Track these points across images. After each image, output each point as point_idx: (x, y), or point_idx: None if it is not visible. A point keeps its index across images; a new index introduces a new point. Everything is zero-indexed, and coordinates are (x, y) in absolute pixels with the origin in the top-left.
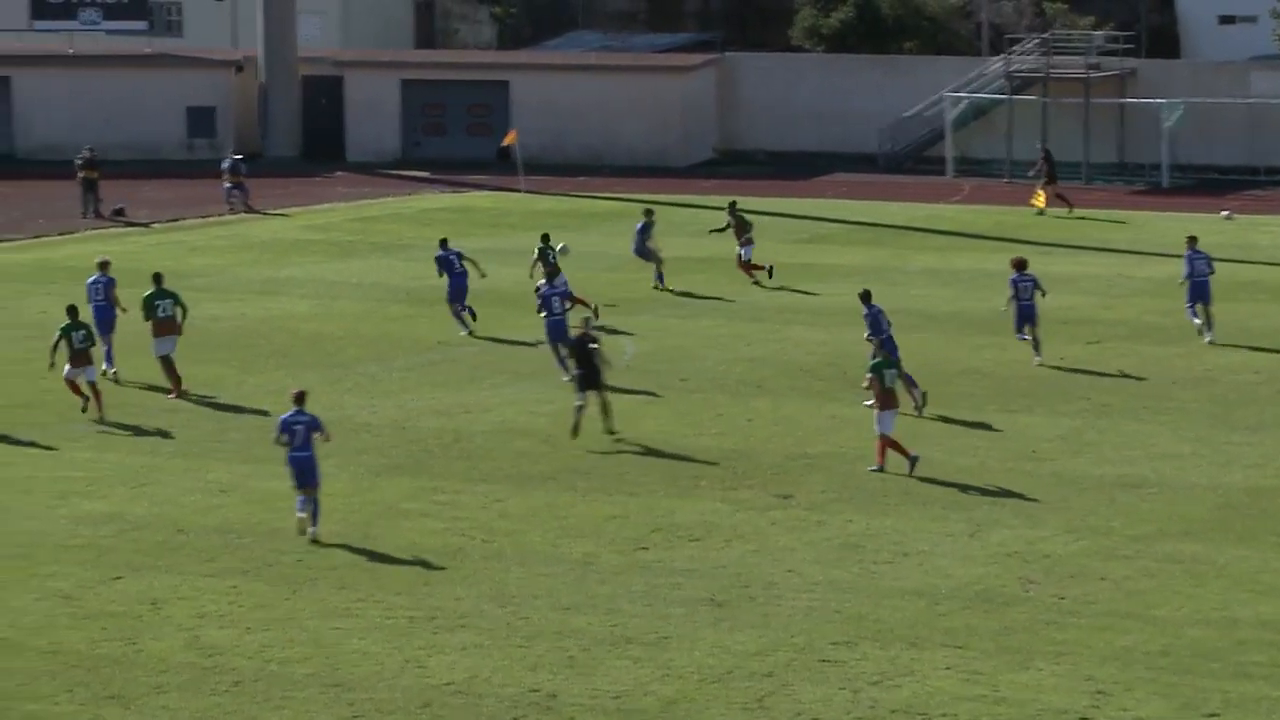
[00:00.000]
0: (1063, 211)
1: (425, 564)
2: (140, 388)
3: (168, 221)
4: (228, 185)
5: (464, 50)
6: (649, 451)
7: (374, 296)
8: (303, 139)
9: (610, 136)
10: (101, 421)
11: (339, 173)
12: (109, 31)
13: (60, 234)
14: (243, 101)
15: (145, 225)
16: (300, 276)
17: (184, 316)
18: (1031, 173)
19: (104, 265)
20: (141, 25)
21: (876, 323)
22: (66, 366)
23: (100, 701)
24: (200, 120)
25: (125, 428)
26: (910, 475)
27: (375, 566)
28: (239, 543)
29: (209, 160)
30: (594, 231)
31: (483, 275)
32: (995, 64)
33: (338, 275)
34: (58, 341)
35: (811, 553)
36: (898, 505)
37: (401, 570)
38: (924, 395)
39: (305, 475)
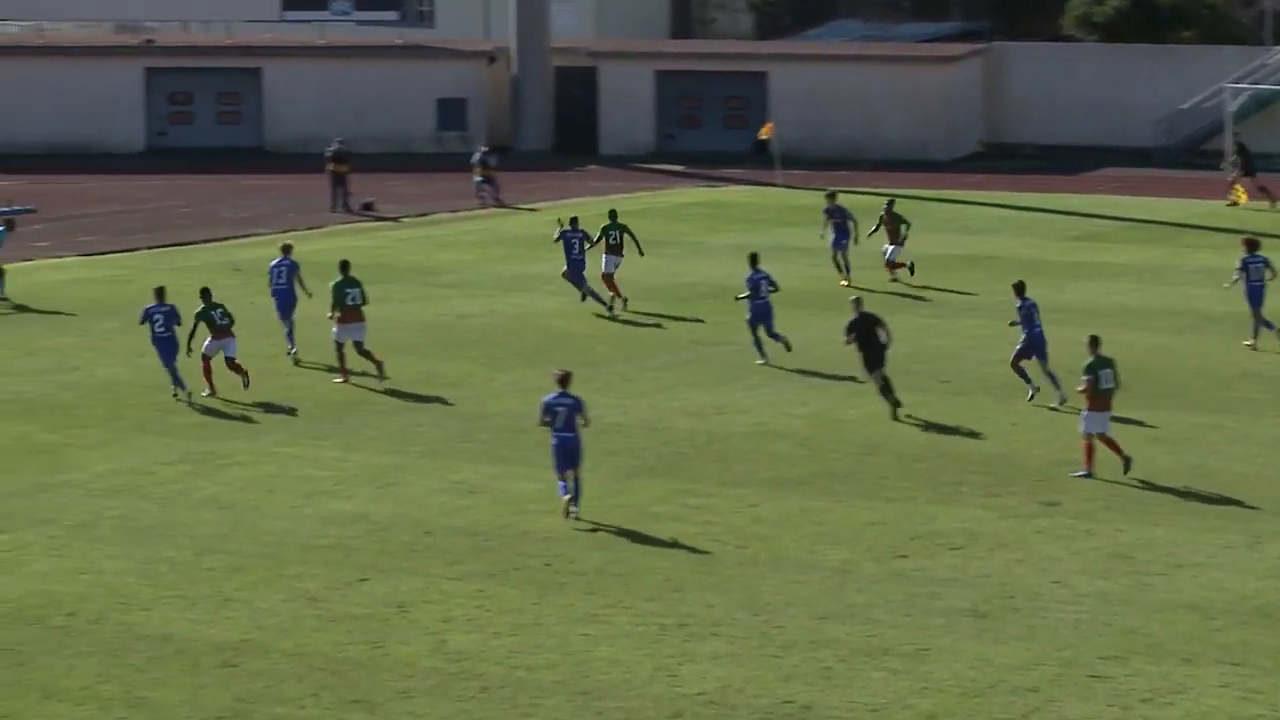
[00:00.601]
0: (1264, 205)
1: (676, 570)
2: (380, 391)
3: (417, 216)
4: (478, 179)
5: (721, 40)
6: (909, 455)
7: (629, 294)
8: (555, 132)
9: (871, 129)
10: (246, 387)
11: (591, 166)
12: (360, 22)
13: (309, 228)
14: (494, 93)
15: (394, 220)
16: (550, 273)
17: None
18: (1225, 164)
19: (287, 249)
20: (392, 16)
21: (1030, 317)
22: (206, 340)
23: (345, 706)
24: (451, 112)
25: (371, 427)
26: (1125, 477)
27: (625, 572)
28: (486, 545)
29: (459, 154)
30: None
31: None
32: (1278, 54)
33: (588, 272)
34: (195, 327)
35: (1079, 563)
36: (1170, 515)
37: (652, 576)
38: (1063, 399)
39: (568, 457)
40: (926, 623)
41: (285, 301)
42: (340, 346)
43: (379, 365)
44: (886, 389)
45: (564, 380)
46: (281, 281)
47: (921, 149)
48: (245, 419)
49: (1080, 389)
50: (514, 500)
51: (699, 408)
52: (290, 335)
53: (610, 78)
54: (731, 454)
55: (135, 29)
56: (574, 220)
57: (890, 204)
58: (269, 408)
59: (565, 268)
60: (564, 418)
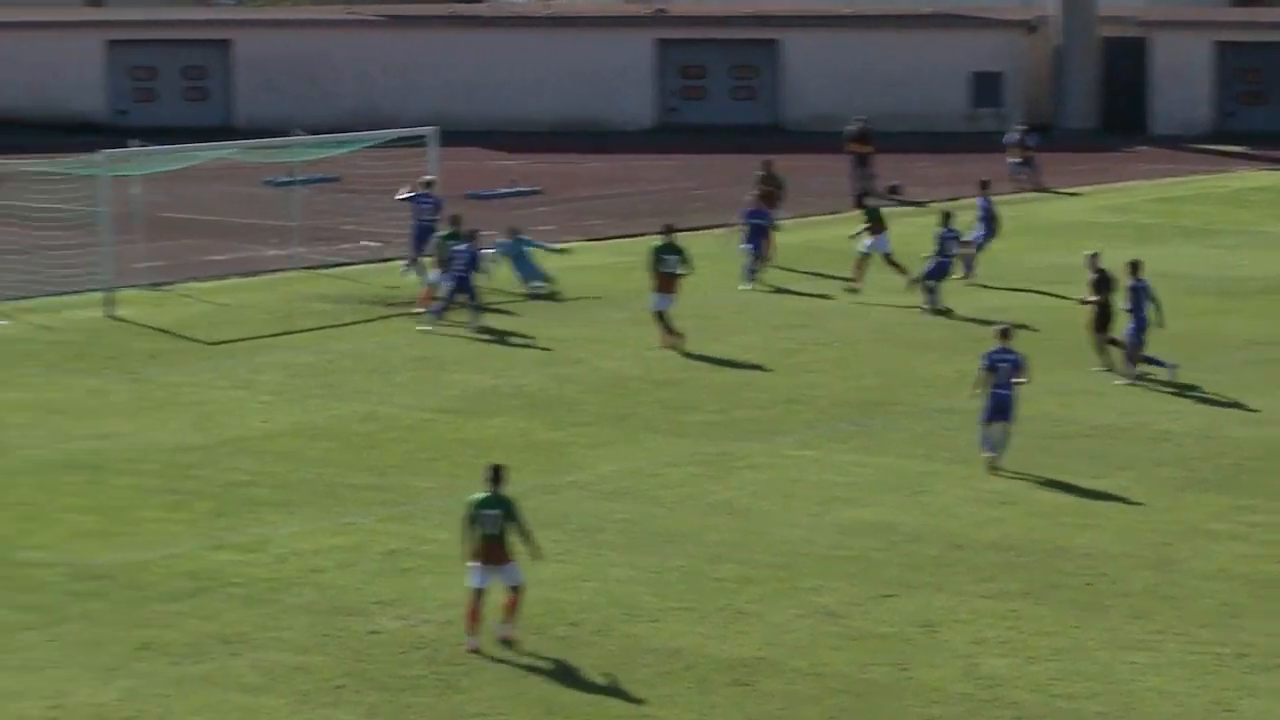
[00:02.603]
0: None
1: (1234, 593)
2: (902, 392)
3: (945, 201)
4: (1014, 161)
5: None
6: None
7: (1179, 288)
8: (1100, 109)
9: None
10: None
11: (1140, 147)
12: None
13: (828, 214)
14: (1034, 66)
15: (920, 204)
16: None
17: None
18: None
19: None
20: None
21: (1137, 298)
22: (654, 296)
23: None
24: (985, 87)
25: (896, 429)
26: None
27: (1176, 594)
28: (1019, 561)
29: (993, 133)
30: None
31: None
32: None
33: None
34: (653, 262)
35: None
36: None
37: (1207, 599)
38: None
39: (1000, 410)
40: None
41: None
42: (659, 315)
43: (677, 337)
44: None
45: (1004, 335)
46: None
47: None
48: (757, 420)
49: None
50: (1050, 512)
51: (1258, 415)
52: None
53: (1162, 49)
54: None
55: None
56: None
57: (861, 200)
58: (784, 405)
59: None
60: (1005, 373)
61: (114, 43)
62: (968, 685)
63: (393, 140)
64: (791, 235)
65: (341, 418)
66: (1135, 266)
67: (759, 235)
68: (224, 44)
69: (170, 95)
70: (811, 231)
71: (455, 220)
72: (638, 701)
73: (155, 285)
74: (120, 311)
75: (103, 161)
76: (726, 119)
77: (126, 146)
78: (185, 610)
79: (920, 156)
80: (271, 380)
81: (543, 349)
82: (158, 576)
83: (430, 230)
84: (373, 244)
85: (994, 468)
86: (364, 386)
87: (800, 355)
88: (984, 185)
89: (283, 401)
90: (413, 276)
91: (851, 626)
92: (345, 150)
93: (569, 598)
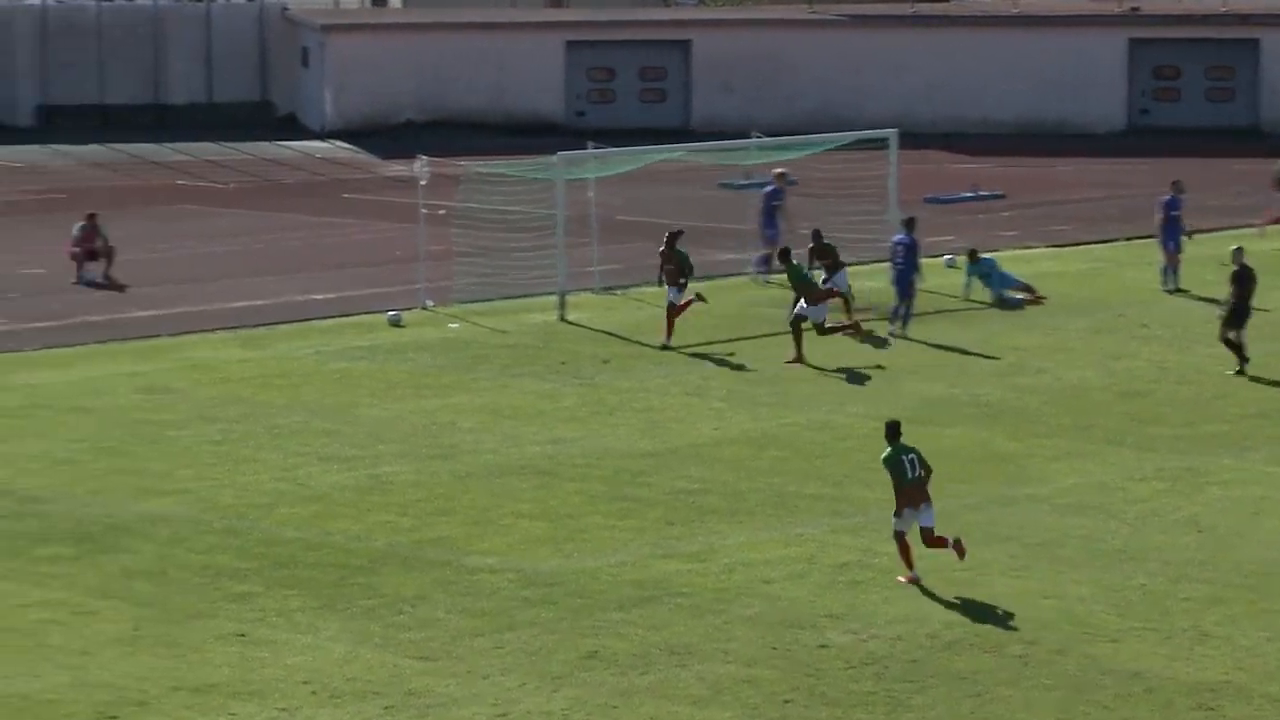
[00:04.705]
0: None
1: None
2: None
3: None
4: None
5: None
6: None
7: None
8: None
9: None
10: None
11: None
12: None
13: None
14: None
15: None
16: None
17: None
18: None
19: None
20: None
21: None
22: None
23: None
24: None
25: None
26: None
27: None
28: None
29: None
30: None
31: None
32: None
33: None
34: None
35: None
36: None
37: None
38: None
39: None
40: None
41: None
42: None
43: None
44: None
45: None
46: (899, 261)
47: None
48: (1226, 434)
49: None
50: None
51: None
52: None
53: None
54: None
55: None
56: None
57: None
58: (1255, 419)
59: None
60: None
61: (573, 43)
62: None
63: (851, 143)
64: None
65: (793, 425)
66: None
67: None
68: (683, 44)
69: (628, 96)
70: None
71: (909, 224)
72: None
73: (607, 289)
74: (572, 315)
75: (559, 164)
76: (1201, 121)
77: (583, 148)
78: (632, 619)
79: None
80: (722, 386)
81: (1001, 359)
82: (605, 584)
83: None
84: None
85: None
86: (815, 394)
87: (1275, 368)
88: None
89: (733, 408)
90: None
91: None
92: (803, 153)
93: (1026, 614)
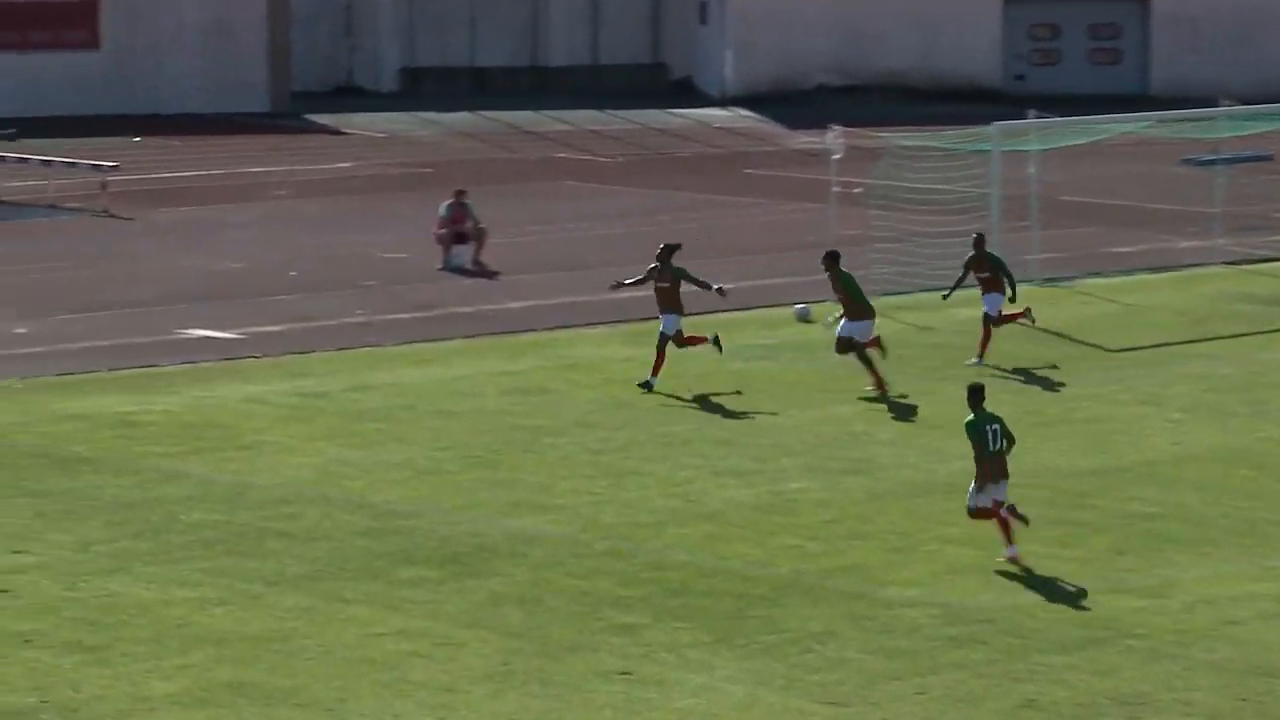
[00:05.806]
0: None
1: None
2: None
3: None
4: None
5: None
6: None
7: None
8: None
9: None
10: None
11: None
12: None
13: None
14: None
15: None
16: None
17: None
18: None
19: None
20: None
21: None
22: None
23: None
24: None
25: None
26: None
27: None
28: None
29: None
30: None
31: None
32: None
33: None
34: None
35: None
36: None
37: None
38: None
39: None
40: None
41: None
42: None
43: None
44: None
45: None
46: None
47: None
48: None
49: None
50: None
51: None
52: None
53: None
54: None
55: None
56: None
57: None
58: None
59: None
60: None
61: None
62: None
63: None
64: None
65: (1269, 441)
66: None
67: None
68: None
69: (1074, 58)
70: None
71: None
72: None
73: (1050, 281)
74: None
75: (995, 135)
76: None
77: (1023, 118)
78: (1076, 663)
79: None
80: (1184, 395)
81: None
82: (1044, 623)
83: None
84: None
85: None
86: None
87: None
88: None
89: (1197, 420)
90: None
91: None
92: None
93: None
